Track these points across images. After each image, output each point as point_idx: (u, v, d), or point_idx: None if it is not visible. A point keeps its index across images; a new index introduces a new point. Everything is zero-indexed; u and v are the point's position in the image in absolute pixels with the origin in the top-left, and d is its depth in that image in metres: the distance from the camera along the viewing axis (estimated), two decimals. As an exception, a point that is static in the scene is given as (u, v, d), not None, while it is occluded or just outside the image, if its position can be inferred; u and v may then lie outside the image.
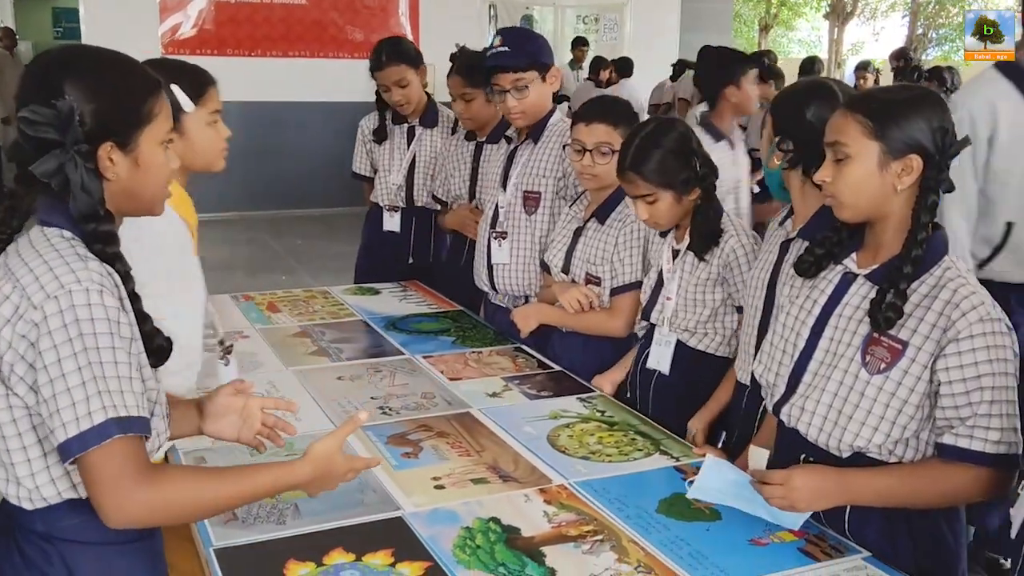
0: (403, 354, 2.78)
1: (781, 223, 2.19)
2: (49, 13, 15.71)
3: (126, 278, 1.42)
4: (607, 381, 2.53)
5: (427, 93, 3.55)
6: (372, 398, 2.42)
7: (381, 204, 3.66)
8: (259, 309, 3.24)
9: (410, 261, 3.66)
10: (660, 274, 2.39)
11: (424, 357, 2.75)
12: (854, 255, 1.78)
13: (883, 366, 1.66)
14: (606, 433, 2.24)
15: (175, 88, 1.99)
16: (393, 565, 1.65)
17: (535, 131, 2.93)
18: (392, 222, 3.64)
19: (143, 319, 1.44)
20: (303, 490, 1.60)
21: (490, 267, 3.01)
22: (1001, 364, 1.59)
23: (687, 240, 2.32)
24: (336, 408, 2.35)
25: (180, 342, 1.56)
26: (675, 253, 2.37)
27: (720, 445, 2.25)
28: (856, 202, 1.70)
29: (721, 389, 2.27)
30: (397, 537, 1.74)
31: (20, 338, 1.32)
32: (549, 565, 1.66)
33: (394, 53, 3.46)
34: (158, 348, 1.45)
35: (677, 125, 2.34)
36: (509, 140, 3.06)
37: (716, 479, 1.83)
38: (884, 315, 1.63)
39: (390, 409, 2.35)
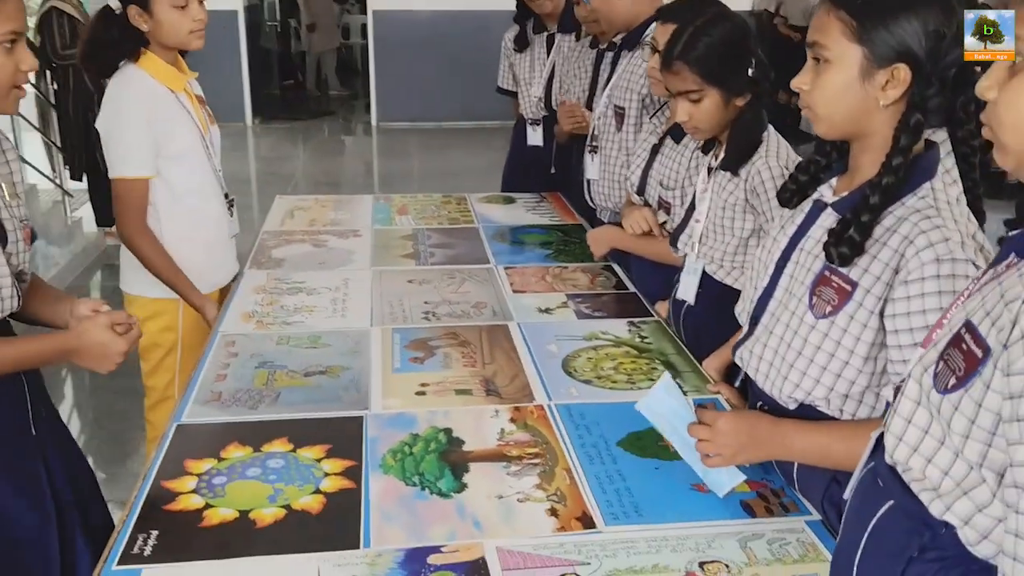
0: (488, 263, 2.78)
1: None
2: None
3: None
4: (664, 307, 2.39)
5: None
6: (425, 303, 2.46)
7: (526, 117, 3.63)
8: (389, 210, 3.36)
9: (552, 171, 3.61)
10: (694, 198, 2.20)
11: (506, 268, 2.73)
12: (833, 181, 1.55)
13: (828, 309, 1.44)
14: (629, 360, 2.13)
15: None
16: (320, 460, 1.70)
17: (629, 39, 2.76)
18: (535, 136, 3.60)
19: None
20: (77, 361, 1.76)
21: (587, 182, 2.92)
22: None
23: (723, 156, 2.10)
24: (386, 308, 2.41)
25: None
26: (710, 172, 2.15)
27: (738, 384, 2.05)
28: (831, 114, 1.44)
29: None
30: (342, 434, 1.78)
31: None
32: (464, 480, 1.64)
33: None
34: None
35: (736, 19, 2.10)
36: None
37: (661, 402, 1.63)
38: (839, 249, 1.41)
39: (433, 315, 2.38)
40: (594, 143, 2.87)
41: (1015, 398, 0.85)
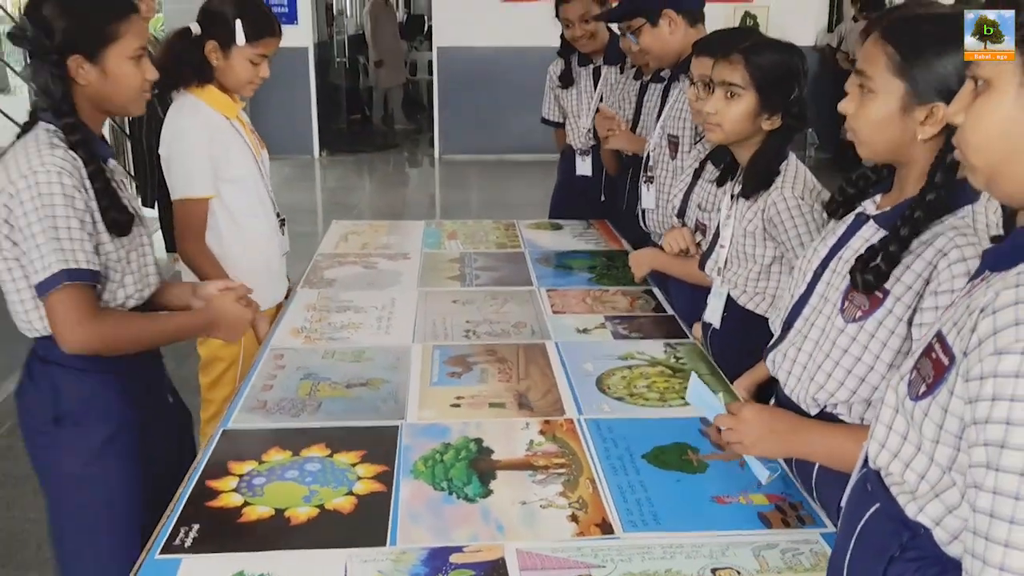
0: (531, 285, 2.85)
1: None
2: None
3: (89, 162, 1.77)
4: (700, 329, 2.44)
5: (608, 28, 3.50)
6: (467, 321, 2.53)
7: (575, 148, 3.71)
8: (440, 235, 3.46)
9: (602, 199, 3.67)
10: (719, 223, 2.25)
11: (548, 290, 2.80)
12: (879, 196, 1.60)
13: (859, 314, 1.49)
14: (662, 379, 2.18)
15: (237, 22, 2.29)
16: (355, 465, 1.77)
17: (680, 68, 2.82)
18: (584, 166, 3.68)
19: (107, 196, 1.79)
20: (213, 336, 2.06)
21: (642, 210, 2.98)
22: None
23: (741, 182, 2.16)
24: (429, 327, 2.49)
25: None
26: (734, 199, 2.20)
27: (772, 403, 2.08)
28: (872, 142, 1.50)
29: None
30: (377, 442, 1.86)
31: (2, 207, 1.73)
32: (491, 487, 1.70)
33: None
34: (113, 221, 1.80)
35: (802, 55, 2.15)
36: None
37: (697, 396, 1.71)
38: (864, 277, 1.45)
39: (473, 333, 2.45)
40: (649, 173, 2.93)
41: (973, 402, 0.90)
